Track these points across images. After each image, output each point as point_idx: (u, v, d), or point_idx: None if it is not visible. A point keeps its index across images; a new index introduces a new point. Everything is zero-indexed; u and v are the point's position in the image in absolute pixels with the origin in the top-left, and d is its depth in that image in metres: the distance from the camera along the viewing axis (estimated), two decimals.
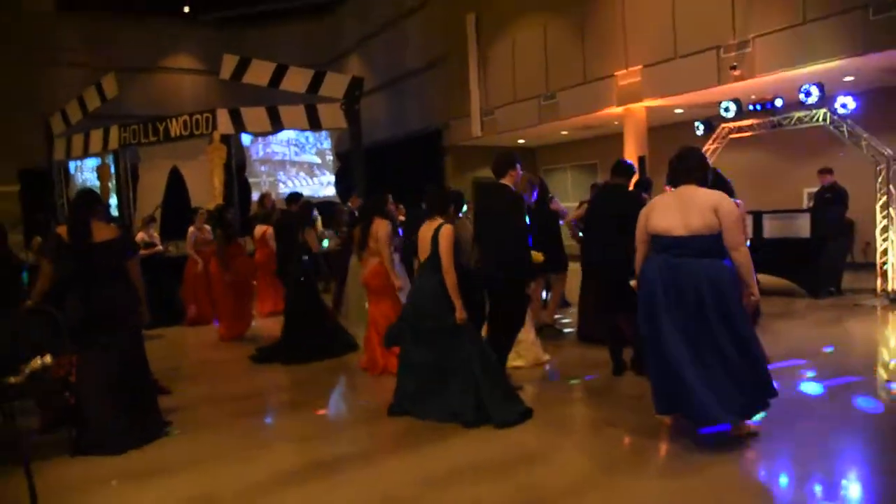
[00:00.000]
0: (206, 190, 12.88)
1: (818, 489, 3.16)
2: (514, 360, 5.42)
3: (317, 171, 15.22)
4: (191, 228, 8.61)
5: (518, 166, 4.85)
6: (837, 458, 3.56)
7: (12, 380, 3.90)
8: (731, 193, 4.78)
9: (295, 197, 7.35)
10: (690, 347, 3.62)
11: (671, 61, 10.83)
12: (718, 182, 4.71)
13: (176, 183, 13.86)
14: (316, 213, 7.35)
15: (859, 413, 4.22)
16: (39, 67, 18.45)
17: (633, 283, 4.25)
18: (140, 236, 8.82)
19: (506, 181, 4.82)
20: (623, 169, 5.61)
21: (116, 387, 4.15)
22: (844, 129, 8.44)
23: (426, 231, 4.55)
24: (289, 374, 6.01)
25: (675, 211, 3.75)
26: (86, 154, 15.28)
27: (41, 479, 3.30)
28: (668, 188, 4.29)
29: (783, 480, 3.31)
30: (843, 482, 3.26)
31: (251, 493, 3.41)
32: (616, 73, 11.68)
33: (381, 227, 5.71)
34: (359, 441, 4.14)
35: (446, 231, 4.35)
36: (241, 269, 7.76)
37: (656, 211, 3.85)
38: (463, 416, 4.22)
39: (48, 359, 4.03)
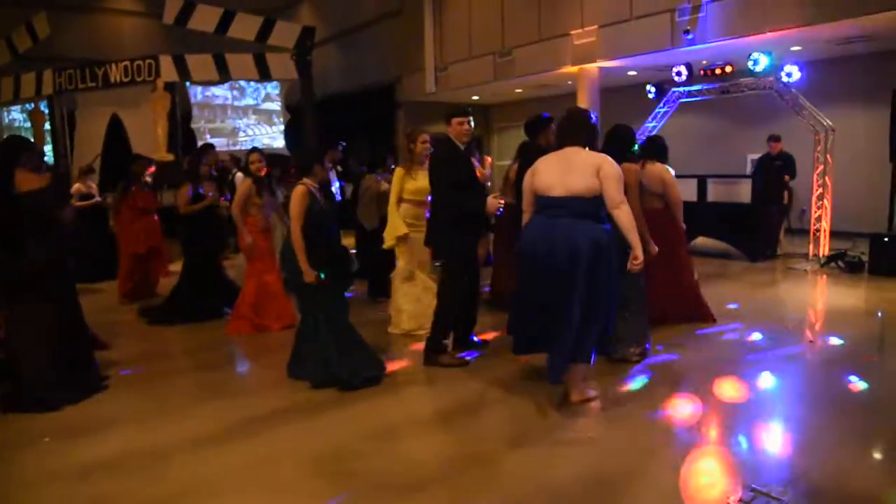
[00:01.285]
0: (148, 140, 12.37)
1: (734, 435, 3.33)
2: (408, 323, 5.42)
3: (275, 119, 14.80)
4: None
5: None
6: (751, 407, 3.76)
7: None
8: (623, 156, 4.49)
9: (200, 149, 6.76)
10: (556, 304, 3.63)
11: (626, 22, 10.81)
12: (616, 144, 4.59)
13: (116, 132, 13.23)
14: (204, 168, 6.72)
15: (778, 366, 4.44)
16: None
17: None
18: (77, 187, 8.44)
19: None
20: (528, 126, 5.25)
21: (51, 341, 4.01)
22: (789, 98, 8.66)
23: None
24: (220, 332, 5.80)
25: (556, 171, 3.69)
26: (17, 100, 14.43)
27: None
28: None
29: (699, 426, 3.47)
30: (760, 431, 3.44)
31: (197, 446, 3.38)
32: (572, 32, 11.61)
33: (241, 186, 5.79)
34: (295, 397, 4.09)
35: (296, 193, 4.28)
36: (140, 225, 7.35)
37: (539, 171, 3.79)
38: (313, 378, 4.25)
39: None
